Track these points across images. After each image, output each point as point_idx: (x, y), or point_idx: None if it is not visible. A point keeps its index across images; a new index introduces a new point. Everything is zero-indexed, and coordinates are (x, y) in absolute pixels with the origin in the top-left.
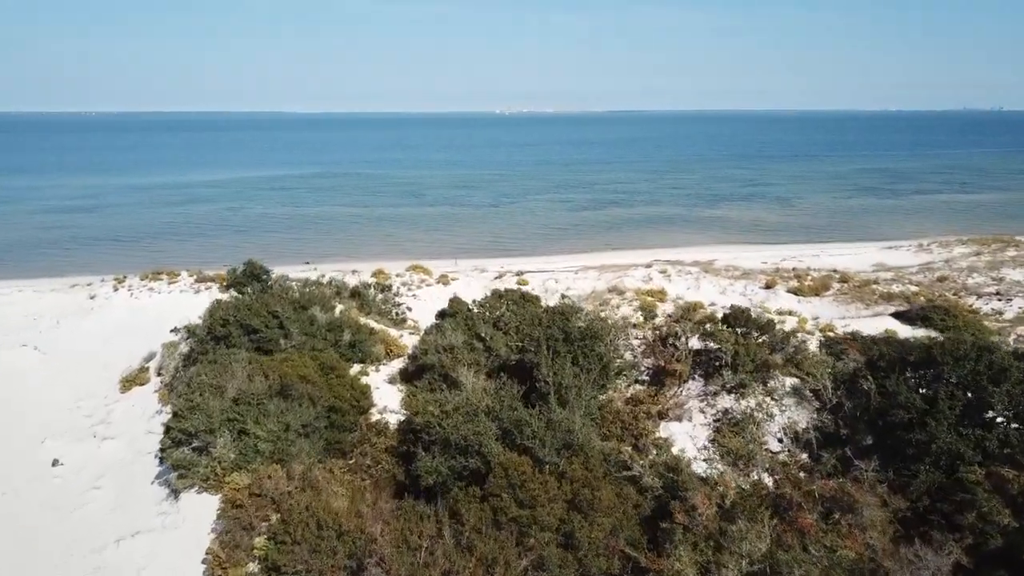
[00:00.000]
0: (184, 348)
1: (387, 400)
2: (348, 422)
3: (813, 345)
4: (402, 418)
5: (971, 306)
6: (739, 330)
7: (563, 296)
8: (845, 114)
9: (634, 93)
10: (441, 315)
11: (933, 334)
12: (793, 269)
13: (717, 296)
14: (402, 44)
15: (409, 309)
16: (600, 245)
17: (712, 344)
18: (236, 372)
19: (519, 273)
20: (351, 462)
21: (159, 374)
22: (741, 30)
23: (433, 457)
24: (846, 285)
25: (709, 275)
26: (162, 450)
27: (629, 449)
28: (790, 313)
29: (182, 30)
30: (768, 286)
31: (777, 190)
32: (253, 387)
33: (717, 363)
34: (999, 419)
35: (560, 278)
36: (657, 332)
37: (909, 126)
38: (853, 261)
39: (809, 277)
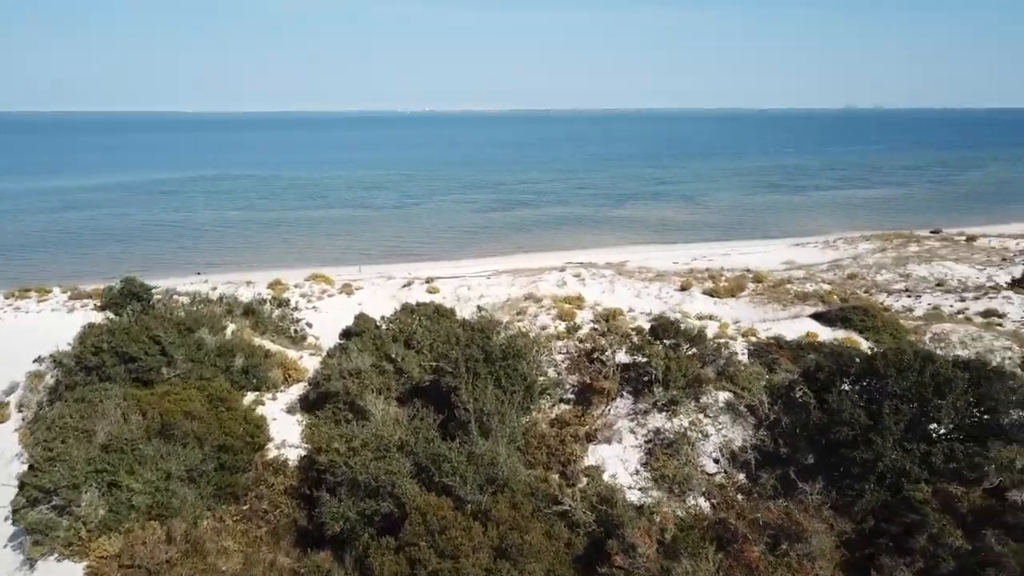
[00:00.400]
0: (50, 380)
1: (286, 433)
2: (241, 461)
3: (739, 350)
4: (303, 453)
5: (883, 304)
6: (667, 342)
7: (480, 309)
8: (732, 113)
9: (547, 92)
10: (346, 334)
11: (854, 335)
12: (707, 270)
13: (632, 299)
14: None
15: (309, 325)
16: (511, 248)
17: (640, 358)
18: (107, 411)
19: (428, 280)
20: (245, 508)
21: (20, 409)
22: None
23: (340, 501)
24: (760, 285)
25: (623, 278)
26: (14, 511)
27: (557, 478)
28: (710, 317)
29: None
30: (683, 288)
31: (683, 188)
32: (128, 429)
33: (646, 379)
34: (943, 432)
35: (472, 285)
36: (582, 347)
37: (796, 124)
38: (763, 259)
39: (723, 278)
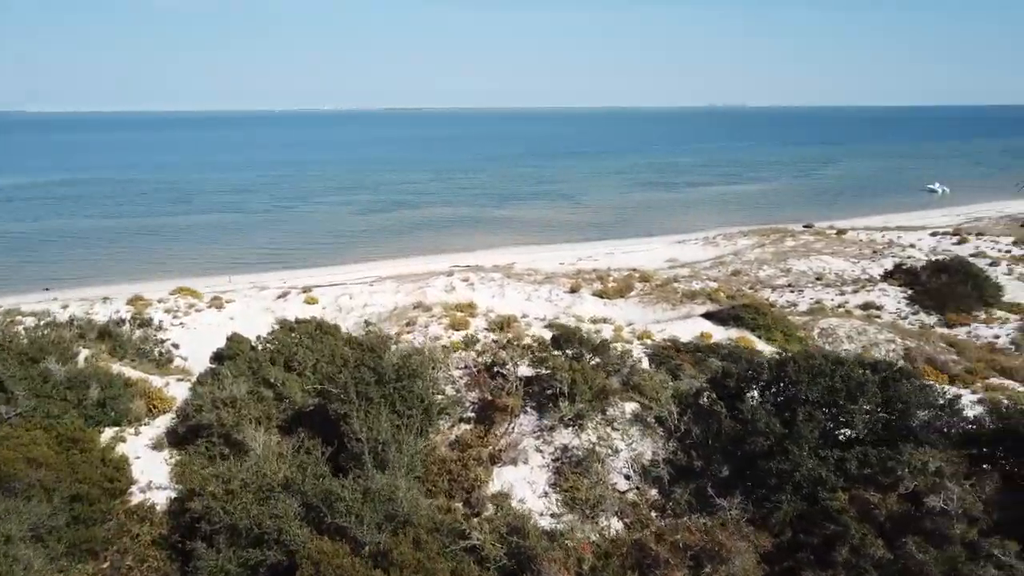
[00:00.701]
0: None
1: (152, 473)
2: (98, 511)
3: (637, 354)
4: (174, 496)
5: (768, 300)
6: (570, 352)
7: (367, 324)
8: (610, 112)
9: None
10: (218, 358)
11: (747, 334)
12: (594, 270)
13: (524, 303)
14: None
15: (176, 346)
16: (394, 251)
17: (544, 371)
18: None
19: (306, 289)
20: (105, 566)
21: None
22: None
23: (218, 551)
24: (648, 285)
25: (512, 281)
26: None
27: (461, 507)
28: (604, 321)
29: None
30: (573, 290)
31: (563, 187)
32: None
33: (551, 392)
34: (854, 436)
35: (354, 293)
36: (481, 360)
37: (667, 122)
38: (647, 258)
39: (611, 278)
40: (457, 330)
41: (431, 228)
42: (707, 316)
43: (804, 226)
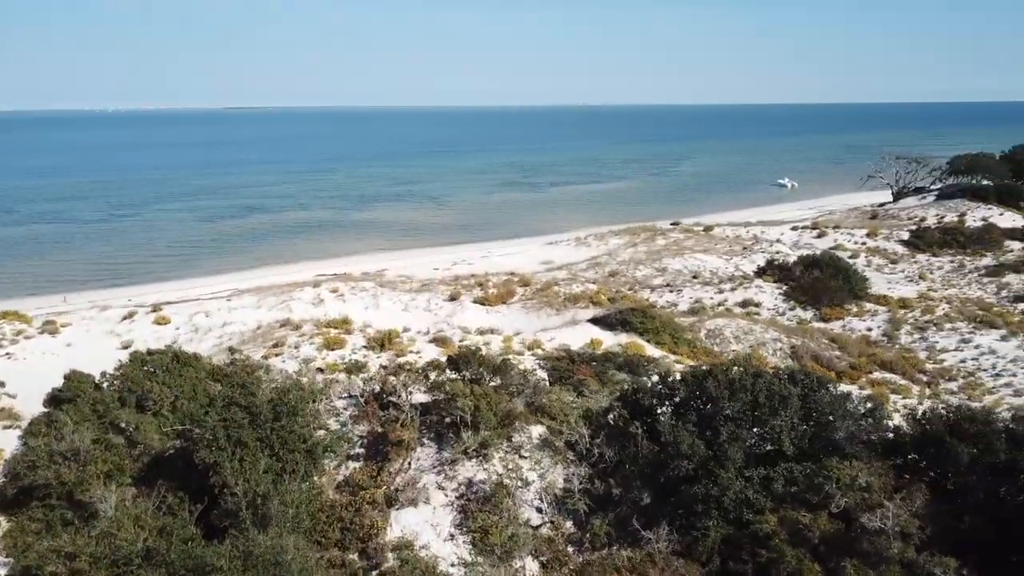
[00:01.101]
0: None
1: None
2: None
3: (529, 365)
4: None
5: (648, 300)
6: (468, 373)
7: (231, 351)
8: (468, 111)
9: (274, 91)
10: (54, 400)
11: (637, 339)
12: (472, 276)
13: (401, 314)
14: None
15: (1, 384)
16: (251, 261)
17: (441, 396)
18: None
19: (155, 308)
20: None
21: None
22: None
23: None
24: (528, 289)
25: (386, 290)
26: None
27: (356, 559)
28: (491, 331)
29: None
30: (452, 298)
31: (425, 188)
32: None
33: (450, 421)
34: (774, 450)
35: (211, 310)
36: (368, 388)
37: (524, 120)
38: (521, 260)
39: (491, 283)
40: (332, 349)
41: (289, 235)
42: (594, 321)
43: (671, 224)
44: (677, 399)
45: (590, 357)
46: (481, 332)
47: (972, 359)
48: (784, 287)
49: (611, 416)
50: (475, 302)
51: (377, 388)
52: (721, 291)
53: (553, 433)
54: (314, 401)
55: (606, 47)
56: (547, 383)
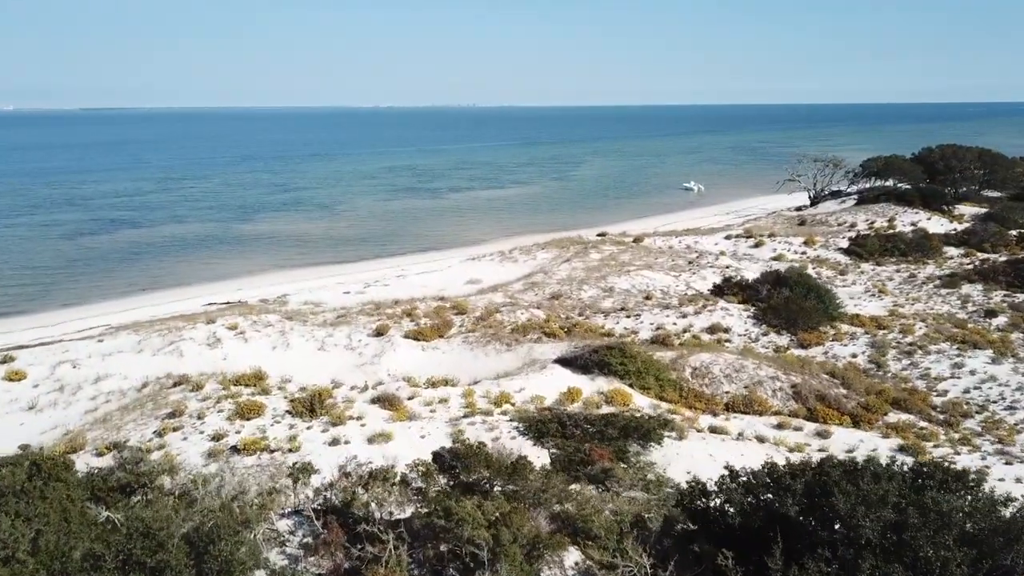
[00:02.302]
0: None
1: None
2: None
3: (505, 428)
4: None
5: (603, 327)
6: (468, 478)
7: (119, 450)
8: (342, 111)
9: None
10: None
11: (621, 386)
12: (395, 301)
13: (318, 355)
14: None
15: None
16: (123, 287)
17: (438, 520)
18: None
19: (3, 358)
20: None
21: None
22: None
23: None
24: (467, 318)
25: (296, 323)
26: None
27: None
28: (445, 382)
29: None
30: (379, 332)
31: (314, 195)
32: None
33: (450, 552)
34: None
35: (79, 357)
36: (326, 503)
37: (407, 122)
38: (445, 280)
39: (419, 311)
40: (247, 418)
41: (165, 253)
42: (563, 362)
43: (598, 235)
44: (763, 500)
45: (583, 419)
46: (432, 384)
47: (975, 387)
48: (752, 309)
49: (675, 532)
50: (407, 337)
51: (338, 502)
52: (684, 315)
53: (596, 563)
54: (249, 531)
55: (486, 49)
56: (553, 470)
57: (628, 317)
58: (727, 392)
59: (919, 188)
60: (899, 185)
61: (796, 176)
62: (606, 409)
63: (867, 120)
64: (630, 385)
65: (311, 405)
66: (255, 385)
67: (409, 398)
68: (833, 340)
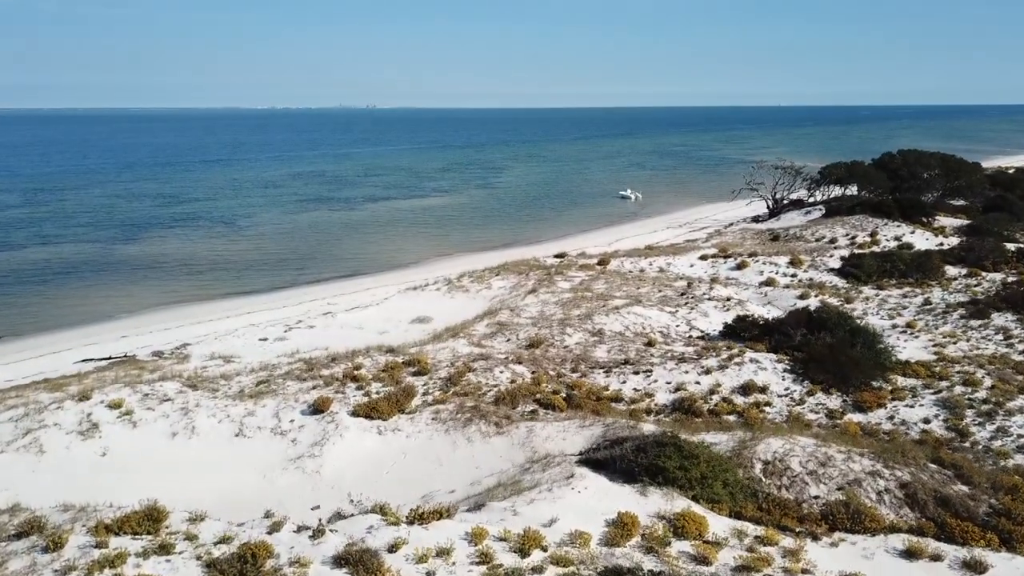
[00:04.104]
0: None
1: None
2: None
3: None
4: None
5: (607, 388)
6: None
7: None
8: (234, 113)
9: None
10: None
11: (689, 505)
12: (330, 357)
13: (237, 446)
14: None
15: None
16: None
17: None
18: None
19: None
20: None
21: None
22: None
23: None
24: (431, 381)
25: (202, 394)
26: None
27: None
28: (439, 514)
29: None
30: (318, 409)
31: (211, 208)
32: None
33: None
34: None
35: None
36: None
37: (294, 125)
38: (384, 316)
39: (365, 369)
40: None
41: (27, 287)
42: (593, 464)
43: (556, 256)
44: None
45: None
46: (420, 517)
47: None
48: (786, 360)
49: None
50: (356, 414)
51: None
52: (706, 370)
53: None
54: None
55: (384, 49)
56: None
57: (637, 374)
58: (816, 497)
59: (897, 198)
60: (864, 194)
61: (755, 184)
62: (677, 546)
63: (769, 123)
64: (694, 498)
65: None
66: (150, 532)
67: (390, 549)
68: (894, 398)
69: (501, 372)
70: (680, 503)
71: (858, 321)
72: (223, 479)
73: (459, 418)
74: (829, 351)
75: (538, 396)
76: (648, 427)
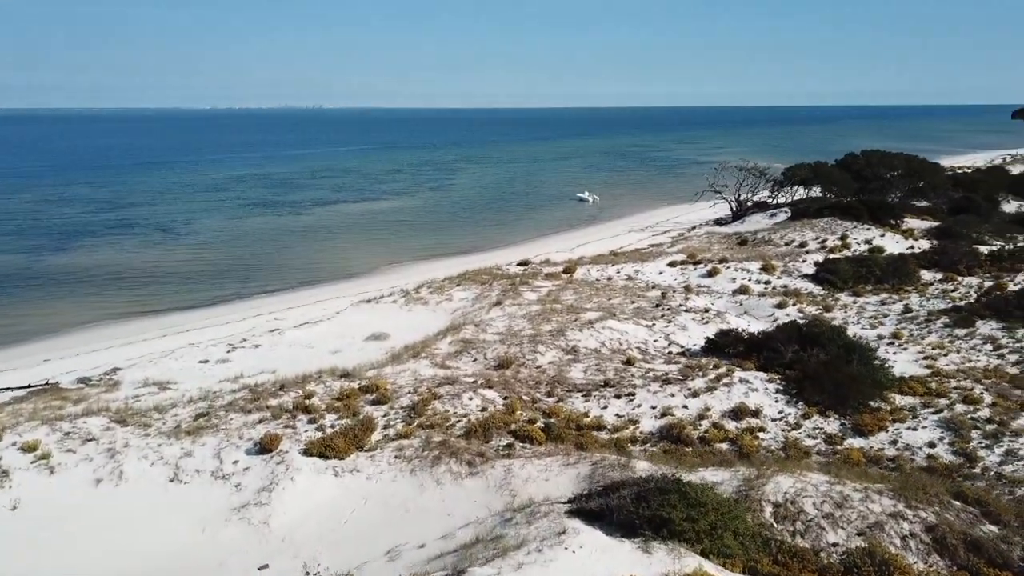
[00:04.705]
0: None
1: None
2: None
3: None
4: None
5: (586, 414)
6: None
7: None
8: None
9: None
10: None
11: (698, 562)
12: (280, 386)
13: (172, 493)
14: None
15: None
16: None
17: None
18: None
19: None
20: None
21: None
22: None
23: None
24: (391, 411)
25: (134, 432)
26: None
27: None
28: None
29: None
30: (265, 449)
31: (149, 214)
32: None
33: None
34: None
35: None
36: None
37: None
38: (337, 333)
39: (320, 401)
40: None
41: None
42: (585, 515)
43: (519, 264)
44: None
45: None
46: None
47: None
48: (776, 378)
49: None
50: (308, 453)
51: None
52: (692, 392)
53: None
54: None
55: (331, 49)
56: None
57: (618, 398)
58: (835, 545)
59: (866, 200)
60: (829, 196)
61: (720, 186)
62: None
63: (718, 124)
64: (703, 552)
65: None
66: None
67: None
68: (894, 419)
69: (470, 399)
70: (689, 561)
71: (849, 337)
72: (155, 535)
73: (426, 456)
74: (824, 369)
75: (513, 427)
76: (641, 465)
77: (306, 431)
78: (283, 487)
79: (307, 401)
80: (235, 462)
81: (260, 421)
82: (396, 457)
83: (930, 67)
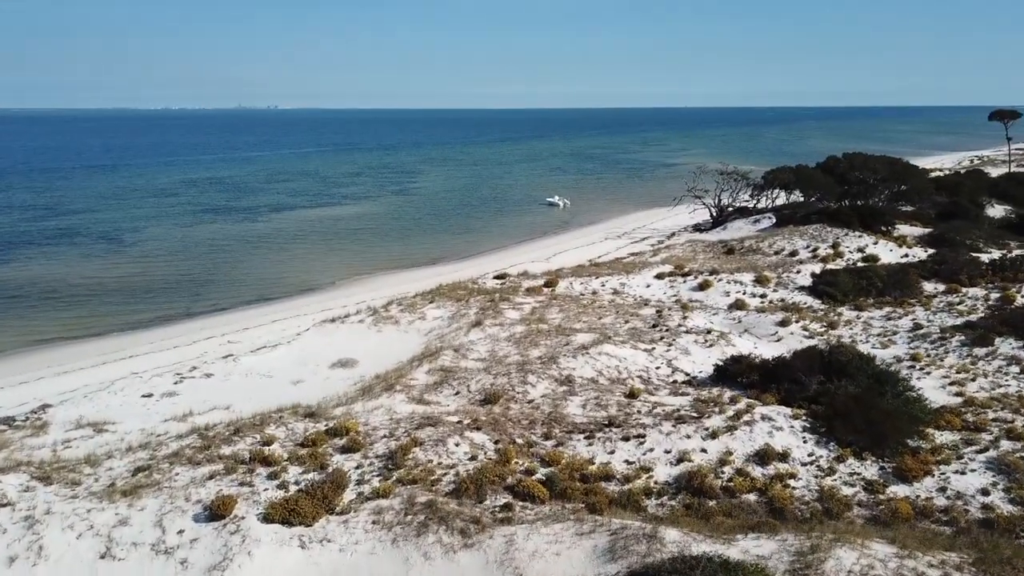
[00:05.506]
0: None
1: None
2: None
3: None
4: None
5: (591, 463)
6: None
7: None
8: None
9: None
10: None
11: None
12: (235, 430)
13: (102, 574)
14: None
15: None
16: None
17: None
18: None
19: None
20: None
21: None
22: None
23: None
24: (365, 462)
25: (58, 493)
26: None
27: None
28: None
29: None
30: (218, 513)
31: (90, 222)
32: None
33: None
34: None
35: None
36: None
37: (191, 126)
38: (299, 360)
39: (281, 449)
40: None
41: None
42: None
43: (496, 278)
44: None
45: None
46: None
47: None
48: (801, 414)
49: None
50: (269, 519)
51: None
52: (711, 432)
53: None
54: None
55: (286, 47)
56: None
57: (626, 440)
58: None
59: (856, 206)
60: (812, 200)
61: (700, 191)
62: None
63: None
64: None
65: None
66: None
67: None
68: (938, 461)
69: (456, 444)
70: None
71: (877, 365)
72: None
73: (410, 521)
74: (855, 404)
75: (509, 480)
76: (670, 535)
77: (266, 489)
78: (239, 564)
79: (266, 449)
80: (180, 532)
81: (211, 477)
82: (374, 523)
83: (878, 71)
